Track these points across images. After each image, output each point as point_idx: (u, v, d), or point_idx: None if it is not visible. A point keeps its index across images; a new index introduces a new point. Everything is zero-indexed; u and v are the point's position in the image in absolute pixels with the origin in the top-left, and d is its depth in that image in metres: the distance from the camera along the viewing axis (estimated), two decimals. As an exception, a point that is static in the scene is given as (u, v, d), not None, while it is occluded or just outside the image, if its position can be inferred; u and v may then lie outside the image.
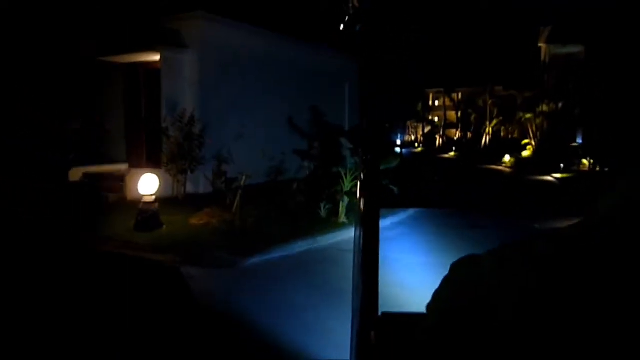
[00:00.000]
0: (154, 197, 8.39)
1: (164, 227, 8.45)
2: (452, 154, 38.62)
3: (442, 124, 48.59)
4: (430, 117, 48.39)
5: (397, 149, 19.17)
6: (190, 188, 11.14)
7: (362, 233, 1.63)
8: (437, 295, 0.72)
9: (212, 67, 11.75)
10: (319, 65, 15.04)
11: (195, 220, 8.78)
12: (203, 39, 11.63)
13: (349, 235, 8.54)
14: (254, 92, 12.67)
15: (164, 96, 11.55)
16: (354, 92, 17.04)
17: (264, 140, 11.83)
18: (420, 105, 47.13)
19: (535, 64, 27.57)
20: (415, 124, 51.65)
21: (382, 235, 1.76)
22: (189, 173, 10.96)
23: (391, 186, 9.56)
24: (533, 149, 25.97)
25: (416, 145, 50.69)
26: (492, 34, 32.78)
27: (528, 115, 25.79)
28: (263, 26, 12.96)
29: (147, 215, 8.30)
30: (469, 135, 44.53)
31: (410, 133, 53.13)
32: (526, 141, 27.00)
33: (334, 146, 8.64)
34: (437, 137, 49.06)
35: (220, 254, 7.05)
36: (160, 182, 10.02)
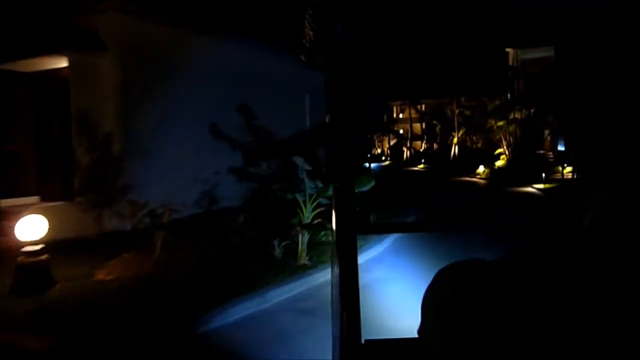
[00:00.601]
0: (39, 245, 6.08)
1: (57, 285, 6.14)
2: (421, 166, 37.21)
3: (409, 136, 47.39)
4: (396, 129, 47.17)
5: (367, 164, 17.27)
6: (113, 224, 8.81)
7: (339, 258, 1.42)
8: (422, 308, 0.66)
9: (137, 73, 9.54)
10: (274, 73, 12.99)
11: (103, 274, 6.48)
12: (124, 38, 9.42)
13: (310, 283, 6.41)
14: (193, 104, 10.49)
15: (74, 110, 9.24)
16: (317, 104, 15.05)
17: (207, 162, 9.62)
18: (385, 117, 45.88)
19: (504, 71, 26.35)
20: (381, 137, 50.30)
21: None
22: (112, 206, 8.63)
23: (368, 215, 7.58)
24: (507, 159, 24.57)
25: (383, 158, 49.30)
26: (458, 41, 31.64)
27: (500, 123, 24.39)
28: (204, 24, 10.86)
29: (29, 271, 5.97)
30: (435, 146, 43.62)
31: (377, 146, 51.74)
32: (499, 150, 25.61)
33: (288, 166, 6.56)
34: (404, 149, 47.80)
35: (122, 332, 4.80)
36: (71, 219, 7.72)
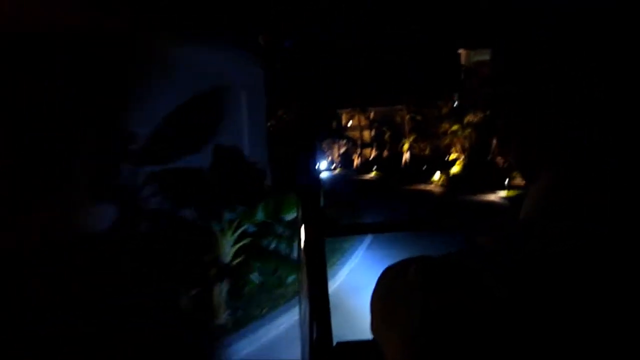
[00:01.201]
0: None
1: None
2: (372, 174, 35.81)
3: (359, 143, 46.16)
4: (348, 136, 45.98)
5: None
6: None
7: (307, 260, 1.42)
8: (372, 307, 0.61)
9: None
10: (192, 61, 10.63)
11: None
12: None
13: (230, 358, 4.24)
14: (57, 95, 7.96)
15: None
16: (256, 104, 12.91)
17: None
18: (335, 123, 44.49)
19: (456, 72, 25.19)
20: (332, 144, 48.78)
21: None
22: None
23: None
24: (463, 164, 23.29)
25: (332, 167, 47.79)
26: (407, 42, 30.39)
27: (455, 127, 23.10)
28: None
29: None
30: (385, 153, 42.97)
31: (327, 154, 50.17)
32: (454, 156, 24.31)
33: (180, 177, 4.42)
34: (354, 157, 46.47)
35: None
36: None
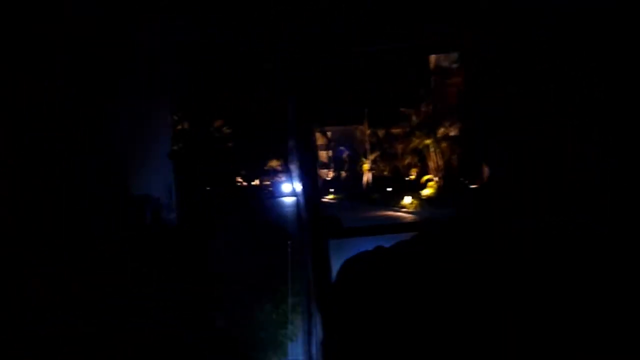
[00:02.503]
0: None
1: None
2: (330, 196, 32.00)
3: (318, 164, 42.82)
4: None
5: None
6: None
7: (312, 264, 1.51)
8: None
9: None
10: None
11: None
12: None
13: None
14: None
15: None
16: (145, 82, 8.64)
17: None
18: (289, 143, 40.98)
19: (426, 78, 21.76)
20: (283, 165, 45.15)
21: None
22: None
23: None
24: (437, 186, 19.66)
25: (294, 191, 44.07)
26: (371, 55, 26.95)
27: (427, 141, 19.53)
28: None
29: None
30: (343, 174, 40.31)
31: (279, 175, 46.50)
32: (427, 177, 20.70)
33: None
34: (311, 178, 43.13)
35: None
36: None
